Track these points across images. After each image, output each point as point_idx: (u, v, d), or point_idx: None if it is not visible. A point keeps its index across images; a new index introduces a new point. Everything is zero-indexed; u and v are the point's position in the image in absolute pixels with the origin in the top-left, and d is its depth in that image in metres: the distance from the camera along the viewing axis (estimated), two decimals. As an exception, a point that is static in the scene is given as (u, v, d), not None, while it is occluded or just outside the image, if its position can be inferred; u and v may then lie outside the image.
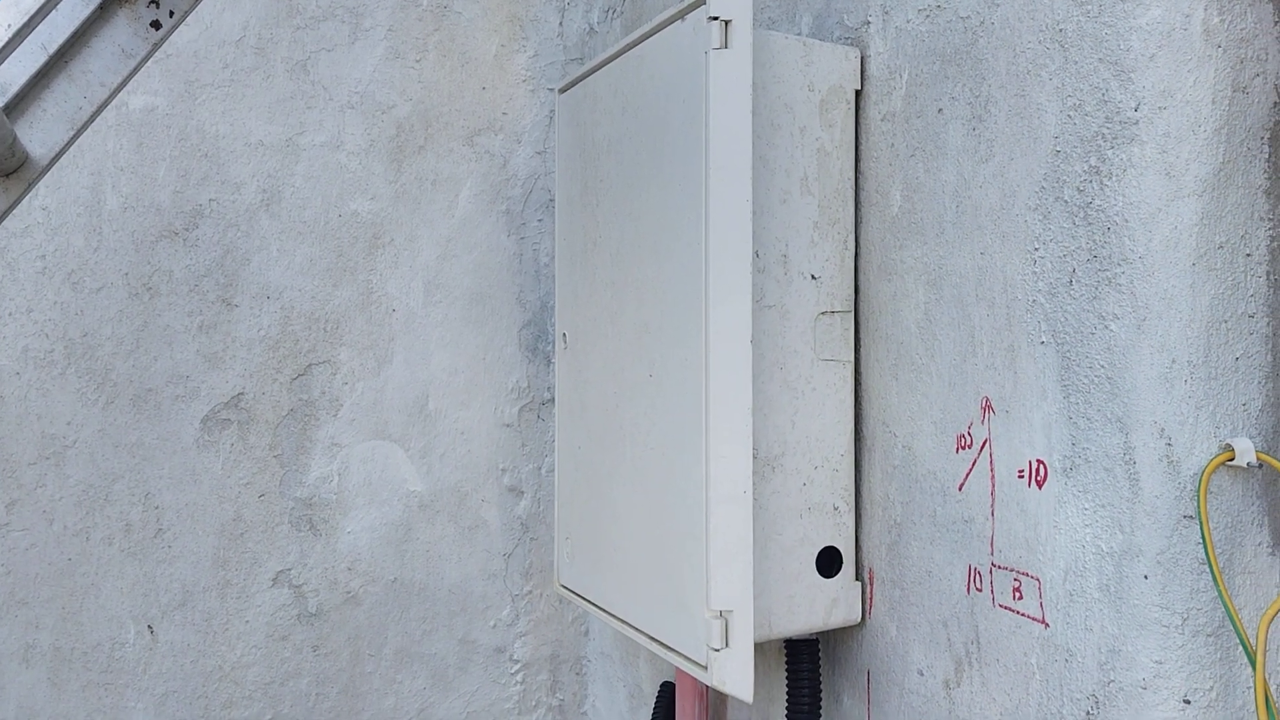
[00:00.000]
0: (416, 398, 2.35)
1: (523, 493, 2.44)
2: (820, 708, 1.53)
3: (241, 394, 2.21)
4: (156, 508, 2.15)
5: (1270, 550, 1.08)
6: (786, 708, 1.54)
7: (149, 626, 2.15)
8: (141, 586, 2.14)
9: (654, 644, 1.56)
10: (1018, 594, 1.24)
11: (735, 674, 1.38)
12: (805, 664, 1.53)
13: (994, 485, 1.28)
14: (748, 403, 1.37)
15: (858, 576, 1.52)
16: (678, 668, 1.88)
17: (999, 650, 1.27)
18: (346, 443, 2.29)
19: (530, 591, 2.46)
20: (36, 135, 1.42)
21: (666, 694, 2.01)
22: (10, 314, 2.05)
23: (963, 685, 1.33)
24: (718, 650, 1.39)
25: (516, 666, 2.45)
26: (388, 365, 2.32)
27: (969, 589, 1.32)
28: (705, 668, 1.41)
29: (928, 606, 1.40)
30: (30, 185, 1.42)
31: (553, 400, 2.48)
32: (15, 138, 1.34)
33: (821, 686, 1.54)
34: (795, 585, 1.48)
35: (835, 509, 1.50)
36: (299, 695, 2.26)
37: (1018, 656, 1.24)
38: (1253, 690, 1.03)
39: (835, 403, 1.50)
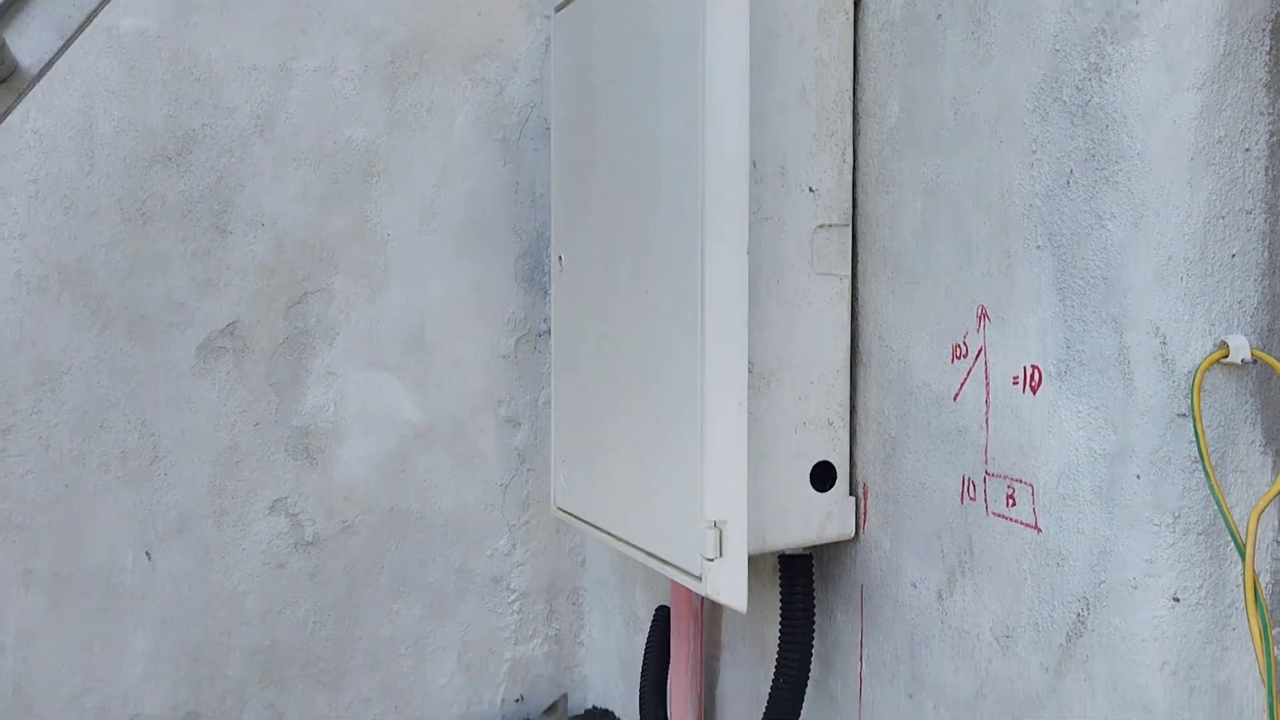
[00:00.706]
0: (412, 327, 2.34)
1: (519, 424, 2.44)
2: (814, 623, 1.54)
3: (236, 322, 2.20)
4: (153, 435, 2.15)
5: (1263, 448, 1.08)
6: (780, 624, 1.55)
7: (147, 553, 2.16)
8: (138, 513, 2.15)
9: (649, 559, 1.56)
10: (1011, 501, 1.25)
11: (729, 583, 1.39)
12: (799, 580, 1.54)
13: (988, 393, 1.27)
14: (743, 315, 1.36)
15: (851, 491, 1.53)
16: (672, 587, 1.89)
17: (991, 558, 1.28)
18: (342, 372, 2.28)
19: (527, 522, 2.46)
20: (25, 44, 1.40)
21: (661, 618, 2.03)
22: (2, 239, 2.03)
23: (955, 595, 1.34)
24: (712, 560, 1.39)
25: (513, 596, 2.46)
26: (383, 294, 2.30)
27: (962, 499, 1.32)
28: (700, 578, 1.42)
29: (921, 519, 1.40)
30: (20, 95, 1.40)
31: (549, 332, 2.47)
32: (4, 45, 1.32)
33: (815, 602, 1.55)
34: (789, 499, 1.48)
35: (830, 424, 1.50)
36: (297, 623, 2.28)
37: (1010, 563, 1.25)
38: (1241, 587, 1.04)
39: (832, 317, 1.49)
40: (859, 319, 1.51)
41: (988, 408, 1.28)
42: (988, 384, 1.27)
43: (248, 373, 2.21)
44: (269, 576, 2.25)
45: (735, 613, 1.88)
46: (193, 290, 2.16)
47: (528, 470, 2.46)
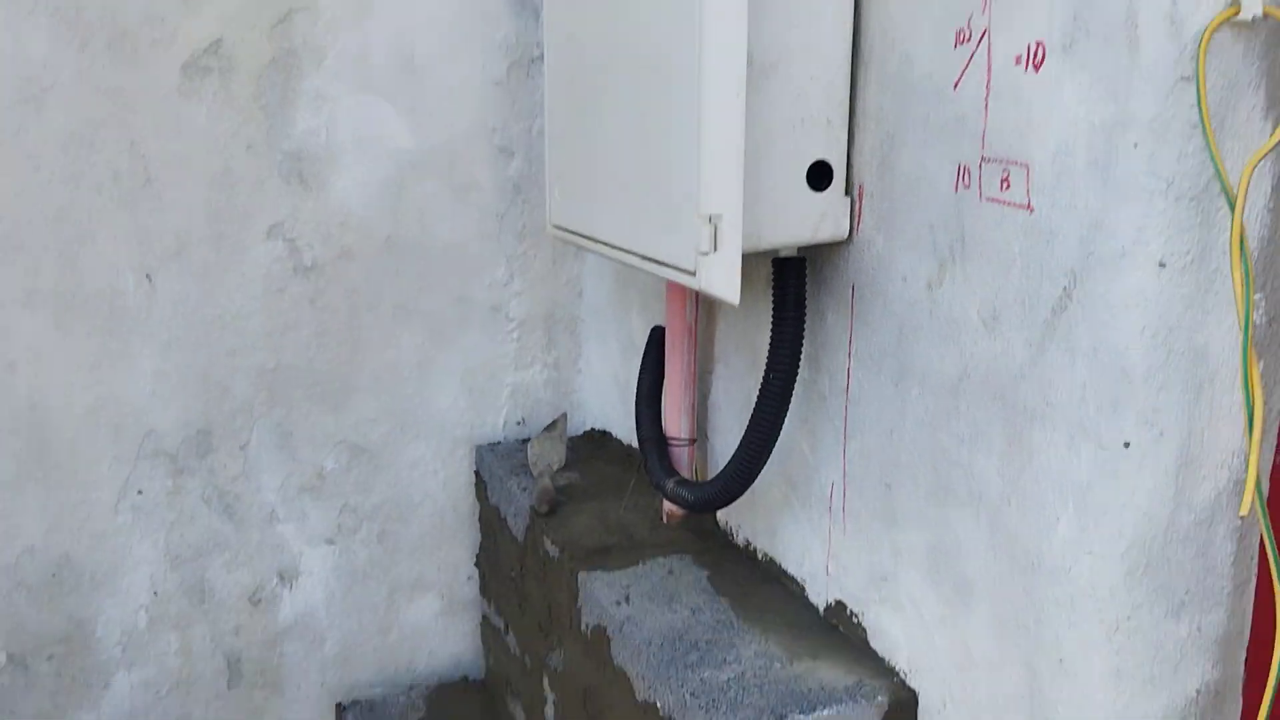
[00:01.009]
0: (402, 50, 2.27)
1: (514, 153, 2.42)
2: (804, 324, 1.57)
3: (220, 40, 2.14)
4: (143, 156, 2.13)
5: (1264, 113, 1.07)
6: (771, 326, 1.59)
7: (147, 275, 2.18)
8: (136, 235, 2.15)
9: (645, 262, 1.58)
10: (1005, 184, 1.25)
11: (722, 277, 1.41)
12: (791, 281, 1.56)
13: (990, 77, 1.25)
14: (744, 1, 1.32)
15: (847, 192, 1.53)
16: (668, 303, 1.93)
17: (982, 244, 1.29)
18: (333, 95, 2.23)
19: (524, 253, 2.48)
20: None
21: (656, 337, 2.07)
22: (-32, -55, 1.94)
23: (945, 284, 1.37)
24: (706, 254, 1.41)
25: (512, 324, 2.51)
26: (370, 13, 2.23)
27: (957, 188, 1.33)
28: (694, 273, 1.44)
29: (915, 213, 1.41)
30: None
31: (542, 57, 2.40)
32: None
33: (806, 304, 1.58)
34: (785, 198, 1.48)
35: (829, 122, 1.48)
36: (300, 345, 2.33)
37: (1000, 246, 1.26)
38: (1228, 251, 1.05)
39: (835, 9, 1.45)
40: (861, 13, 1.46)
41: (988, 91, 1.26)
42: (989, 67, 1.25)
43: (235, 94, 2.16)
44: (270, 300, 2.28)
45: (728, 326, 1.92)
46: (173, 4, 2.08)
47: (523, 201, 2.45)
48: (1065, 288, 1.17)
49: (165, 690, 2.38)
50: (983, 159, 1.28)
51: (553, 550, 1.99)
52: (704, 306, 1.97)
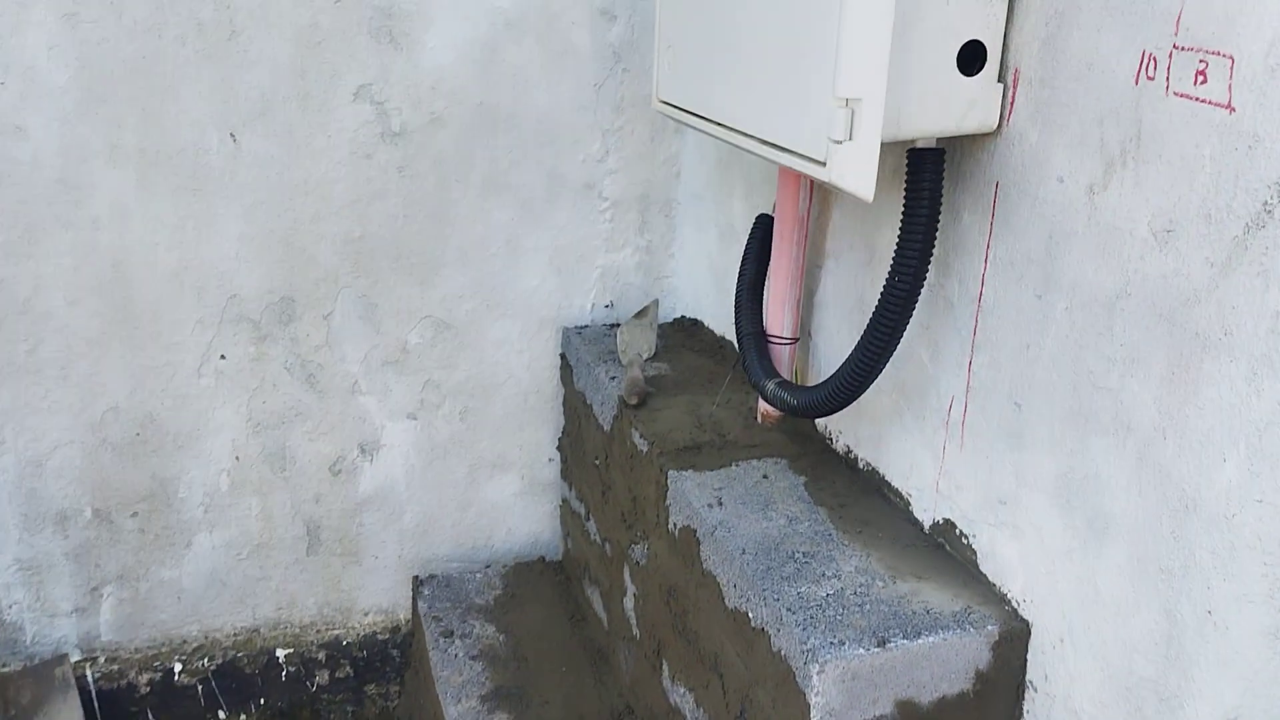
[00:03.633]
0: (502, -102, 2.11)
1: (616, 17, 2.25)
2: (938, 224, 1.43)
3: (310, -119, 1.99)
4: (228, 7, 2.01)
5: None
6: (901, 224, 1.45)
7: (231, 134, 2.09)
8: (220, 92, 2.06)
9: (766, 147, 1.44)
10: (1201, 78, 1.08)
11: (857, 169, 1.27)
12: (927, 175, 1.41)
13: (1195, -51, 1.08)
14: None
15: (1000, 77, 1.36)
16: (780, 190, 1.79)
17: (1163, 145, 1.14)
18: (426, -54, 2.09)
19: (621, 128, 2.34)
20: None
21: (762, 225, 1.94)
22: None
23: (1110, 189, 1.21)
24: (839, 143, 1.27)
25: (605, 204, 2.39)
26: None
27: (1138, 78, 1.16)
28: (824, 164, 1.30)
29: (1082, 105, 1.24)
30: None
31: (652, -88, 2.22)
32: None
33: (942, 202, 1.43)
34: (930, 81, 1.32)
35: (986, -5, 1.31)
36: (386, 216, 2.24)
37: (1187, 149, 1.11)
38: None
39: None
40: None
41: (1190, -34, 1.08)
42: (1195, -63, 1.07)
43: (325, -58, 2.03)
44: (356, 166, 2.18)
45: (843, 218, 1.78)
46: None
47: (623, 70, 2.30)
48: (1266, 203, 1.02)
49: (245, 553, 2.39)
50: (1175, 47, 1.11)
51: (641, 444, 1.91)
52: (818, 195, 1.83)
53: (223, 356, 2.24)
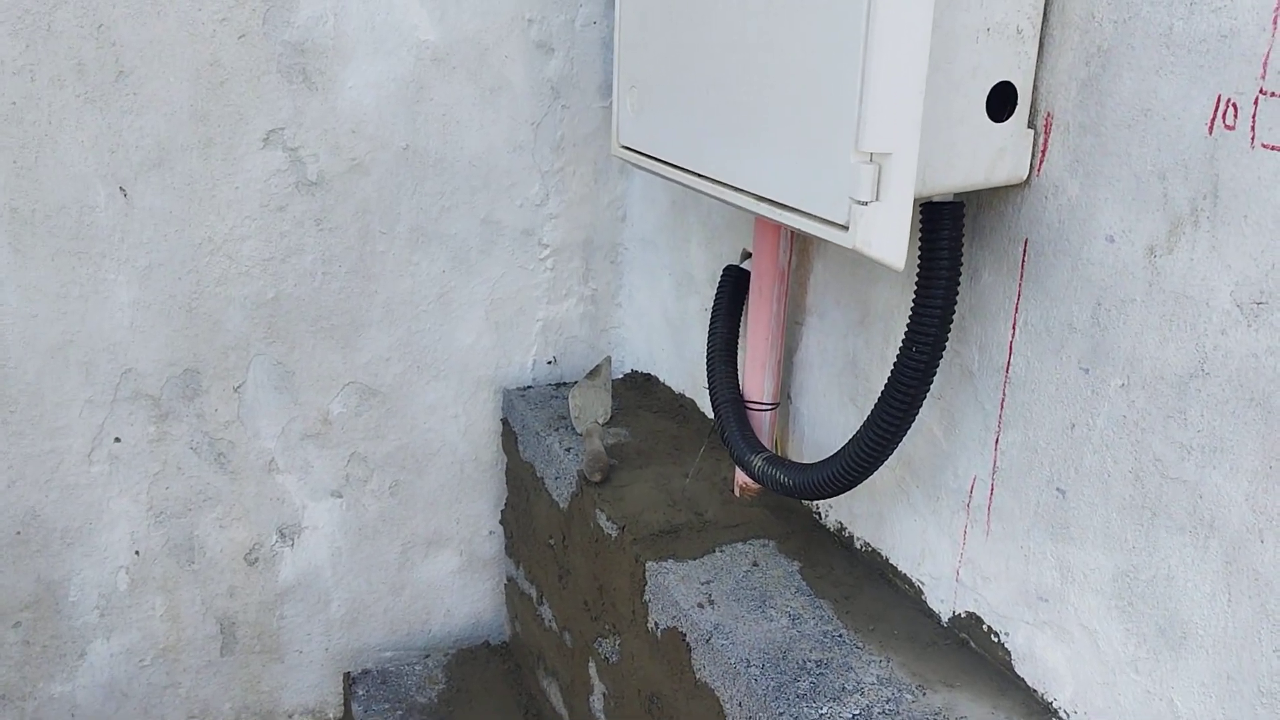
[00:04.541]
0: (426, -80, 1.89)
1: (553, 50, 2.05)
2: (959, 287, 1.26)
3: (206, -100, 1.74)
4: (114, 44, 1.75)
5: None
6: (917, 287, 1.27)
7: (121, 189, 1.82)
8: (106, 140, 1.79)
9: (765, 205, 1.26)
10: (1297, 129, 0.93)
11: (887, 233, 1.09)
12: (946, 232, 1.24)
13: (1287, -20, 0.93)
14: None
15: (1031, 123, 1.20)
16: (757, 243, 1.61)
17: (1249, 203, 0.98)
18: (342, -26, 1.85)
19: (562, 169, 2.13)
20: None
21: (731, 278, 1.76)
22: None
23: (1177, 252, 1.06)
24: (865, 204, 1.09)
25: (546, 251, 2.18)
26: (389, -128, 1.84)
27: (1213, 127, 1.01)
28: (845, 227, 1.12)
29: (1136, 156, 1.09)
30: None
31: (590, -66, 2.03)
32: None
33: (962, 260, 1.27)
34: (958, 129, 1.16)
35: (1019, 32, 1.15)
36: (303, 274, 1.99)
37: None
38: None
39: (1041, -121, 1.10)
40: (1073, -115, 1.12)
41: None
42: (1288, -34, 0.92)
43: (225, -31, 1.78)
44: (268, 220, 1.93)
45: (827, 271, 1.61)
46: None
47: (563, 107, 2.10)
48: (1395, 275, 0.87)
49: (149, 659, 2.10)
50: (1262, 92, 0.96)
51: (609, 528, 1.70)
52: (798, 245, 1.65)
53: (117, 439, 1.96)
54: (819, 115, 1.13)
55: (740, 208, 1.31)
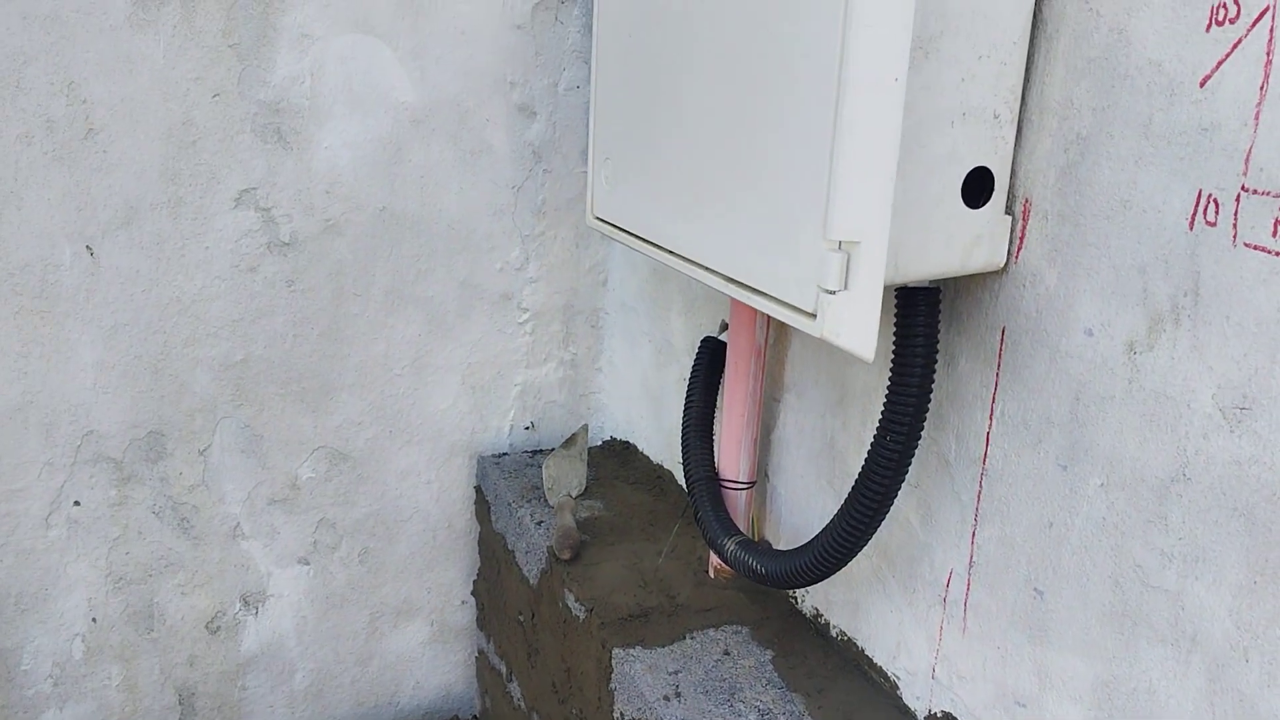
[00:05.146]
0: (407, -18, 1.87)
1: (535, 113, 2.02)
2: (935, 372, 1.22)
3: (183, -40, 1.72)
4: (84, 102, 1.72)
5: None
6: (891, 375, 1.23)
7: (88, 247, 1.79)
8: (74, 199, 1.75)
9: (734, 286, 1.21)
10: (1278, 229, 0.89)
11: (856, 323, 1.05)
12: (922, 319, 1.20)
13: (1267, 74, 0.89)
14: (915, -56, 0.95)
15: (1009, 209, 1.16)
16: (733, 319, 1.57)
17: (1231, 304, 0.94)
18: (320, 34, 1.83)
19: (543, 233, 2.10)
20: None
21: (708, 350, 1.72)
22: None
23: (1158, 349, 1.01)
24: (833, 293, 1.05)
25: (525, 315, 2.14)
26: (371, -66, 1.82)
27: (1193, 224, 0.97)
28: (813, 315, 1.08)
29: (1116, 248, 1.05)
30: None
31: (575, -1, 2.01)
32: None
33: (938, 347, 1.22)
34: (933, 215, 1.12)
35: (995, 117, 1.11)
36: (274, 336, 1.94)
37: (1265, 312, 0.91)
38: None
39: (1017, -37, 1.07)
40: (1051, -31, 1.09)
41: (1262, 95, 0.90)
42: (1269, 59, 0.89)
43: (200, 29, 1.75)
44: (239, 281, 1.89)
45: (804, 349, 1.57)
46: (123, -90, 1.67)
47: (544, 171, 2.06)
48: (1384, 388, 0.82)
49: (105, 729, 2.03)
50: (1244, 189, 0.92)
51: (577, 609, 1.64)
52: (775, 321, 1.61)
53: (76, 503, 1.90)
54: (787, 200, 1.10)
55: (712, 287, 1.27)
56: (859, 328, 1.05)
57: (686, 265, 1.31)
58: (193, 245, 1.84)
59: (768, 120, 1.11)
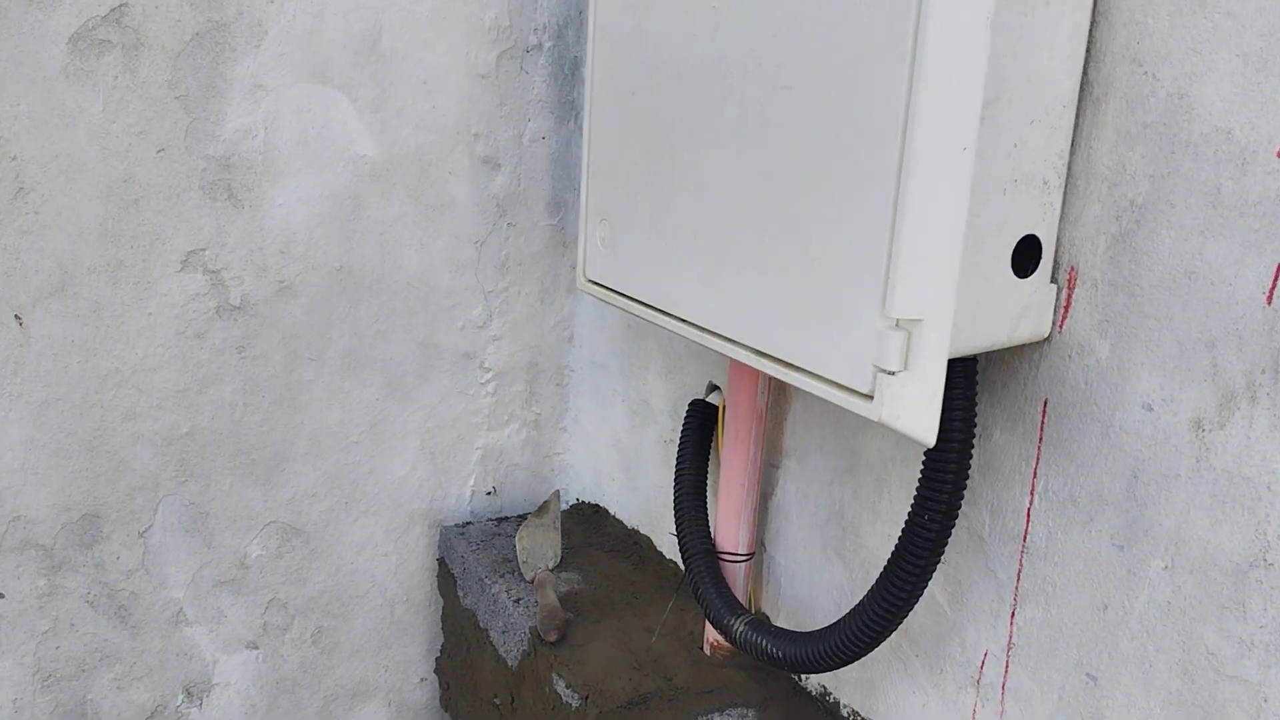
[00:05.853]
0: (366, 30, 1.76)
1: (500, 166, 1.93)
2: (973, 446, 1.16)
3: (125, 5, 1.59)
4: (14, 159, 1.56)
5: None
6: (928, 451, 1.16)
7: (16, 316, 1.62)
8: (2, 264, 1.59)
9: (769, 362, 1.14)
10: (1374, 307, 0.86)
11: (917, 406, 0.98)
12: (960, 393, 1.14)
13: (1358, 147, 0.86)
14: (988, 8, 0.89)
15: (1054, 278, 1.12)
16: (732, 381, 1.50)
17: (1317, 384, 0.90)
18: (274, 85, 1.71)
19: (506, 288, 2.00)
20: None
21: (698, 415, 1.64)
22: None
23: (1230, 428, 0.97)
24: (893, 374, 0.98)
25: (488, 375, 2.03)
26: (329, -22, 1.71)
27: (1271, 297, 0.93)
28: (869, 397, 1.01)
29: (1179, 321, 1.01)
30: None
31: (539, 46, 1.92)
32: None
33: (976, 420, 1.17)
34: (984, 286, 1.06)
35: (1045, 183, 1.07)
36: (222, 406, 1.80)
37: (1359, 394, 0.87)
38: None
39: (1071, 25, 1.03)
40: (1099, 30, 1.05)
41: (1350, 168, 0.86)
42: (1357, 133, 0.86)
43: (144, 79, 1.62)
44: (184, 348, 1.75)
45: (807, 412, 1.50)
46: (60, -49, 1.53)
47: (508, 225, 1.97)
48: None
49: (30, 843, 1.84)
50: (1331, 264, 0.88)
51: (569, 696, 1.54)
52: (775, 384, 1.54)
53: (0, 595, 1.72)
54: (836, 273, 1.03)
55: (738, 360, 1.19)
56: (921, 410, 0.98)
57: (706, 337, 1.23)
58: (134, 311, 1.69)
59: (812, 189, 1.05)
